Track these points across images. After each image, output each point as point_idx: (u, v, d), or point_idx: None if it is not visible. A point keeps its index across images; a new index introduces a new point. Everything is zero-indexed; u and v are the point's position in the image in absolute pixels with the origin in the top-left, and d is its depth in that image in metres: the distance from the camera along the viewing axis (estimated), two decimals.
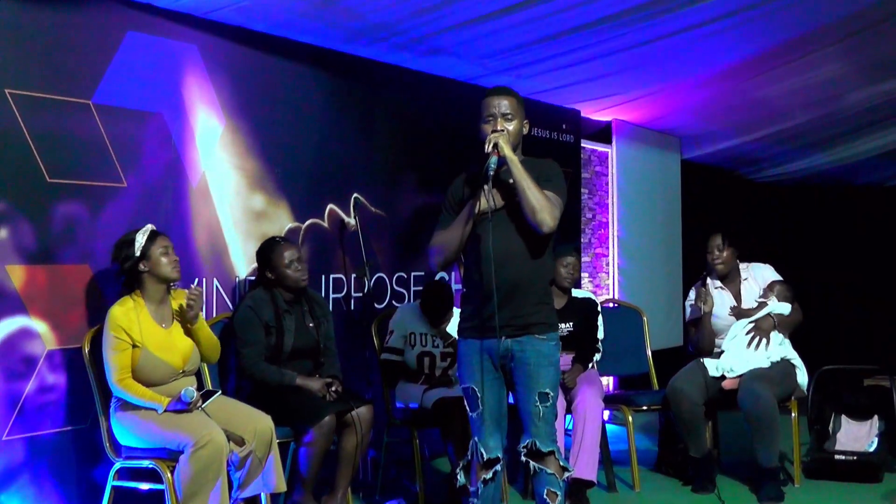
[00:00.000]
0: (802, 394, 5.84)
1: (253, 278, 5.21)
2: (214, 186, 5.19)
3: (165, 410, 4.20)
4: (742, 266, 5.91)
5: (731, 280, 5.86)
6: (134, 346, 4.24)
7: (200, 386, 4.62)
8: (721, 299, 5.81)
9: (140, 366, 4.25)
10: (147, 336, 4.28)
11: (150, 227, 4.41)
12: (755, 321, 5.69)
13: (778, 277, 5.85)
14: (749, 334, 5.67)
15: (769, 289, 5.78)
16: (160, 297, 4.41)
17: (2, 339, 4.23)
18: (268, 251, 4.95)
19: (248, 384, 4.81)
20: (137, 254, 4.31)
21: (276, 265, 4.90)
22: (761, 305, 5.73)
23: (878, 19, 5.99)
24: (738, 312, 5.76)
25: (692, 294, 5.93)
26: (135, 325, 4.26)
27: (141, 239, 4.33)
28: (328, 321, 5.11)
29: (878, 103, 7.78)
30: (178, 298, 4.49)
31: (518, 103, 4.04)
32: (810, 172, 10.36)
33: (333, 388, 4.80)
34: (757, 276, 5.87)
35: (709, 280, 5.83)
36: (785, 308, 5.71)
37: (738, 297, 5.82)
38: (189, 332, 4.45)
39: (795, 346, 5.83)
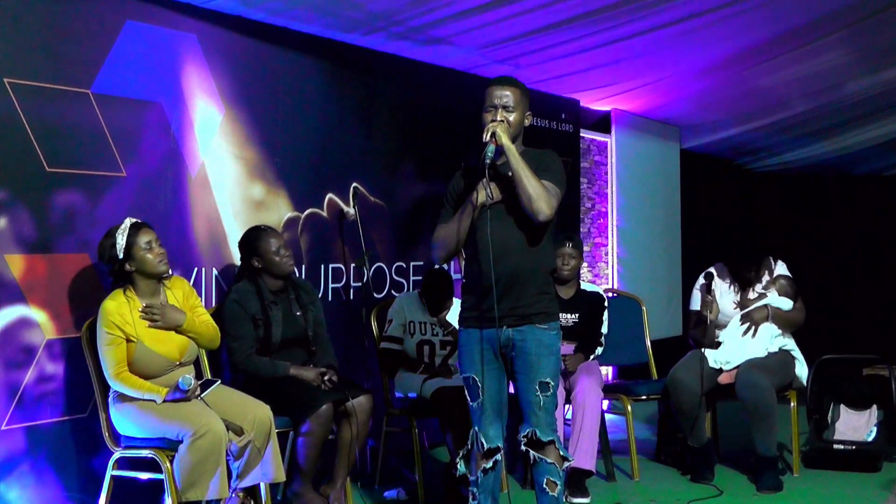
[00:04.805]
0: (801, 385, 5.84)
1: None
2: (213, 176, 5.19)
3: (164, 401, 4.21)
4: None
5: None
6: (129, 340, 4.22)
7: (199, 375, 4.61)
8: (728, 294, 5.79)
9: (136, 359, 4.24)
10: (141, 330, 4.26)
11: (128, 222, 4.31)
12: (749, 311, 5.68)
13: (787, 273, 5.83)
14: (744, 325, 5.66)
15: (772, 282, 5.77)
16: (152, 290, 4.37)
17: (1, 328, 4.23)
18: (254, 239, 4.92)
19: (242, 378, 4.80)
20: (121, 255, 4.25)
21: (263, 253, 4.87)
22: (761, 297, 5.72)
23: (879, 7, 5.98)
24: (742, 305, 5.74)
25: (702, 280, 5.87)
26: (128, 318, 4.23)
27: (121, 240, 4.25)
28: (317, 307, 5.07)
29: (878, 92, 7.78)
30: (174, 288, 4.47)
31: (522, 94, 4.04)
32: (810, 162, 10.36)
33: (327, 378, 4.78)
34: (771, 272, 5.84)
35: (716, 280, 5.80)
36: (784, 303, 5.69)
37: (744, 294, 5.80)
38: (181, 332, 4.41)
39: (794, 334, 5.82)
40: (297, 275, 5.45)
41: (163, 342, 4.32)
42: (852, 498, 5.39)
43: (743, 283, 5.78)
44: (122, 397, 4.25)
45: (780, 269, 5.84)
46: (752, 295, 5.75)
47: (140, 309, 4.29)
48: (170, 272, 4.44)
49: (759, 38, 6.41)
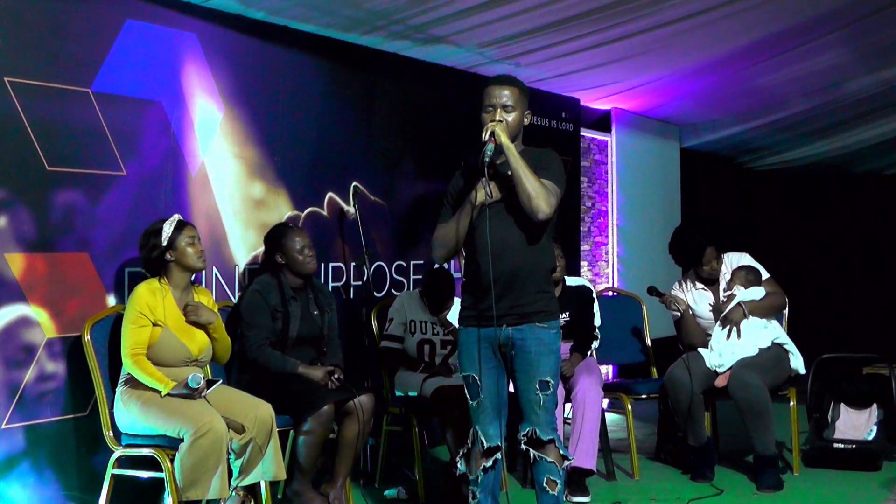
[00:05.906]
0: (799, 374, 5.78)
1: (253, 266, 5.22)
2: (213, 175, 5.19)
3: (168, 394, 4.22)
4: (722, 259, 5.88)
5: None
6: (155, 324, 4.30)
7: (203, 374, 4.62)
8: (702, 298, 5.80)
9: (158, 343, 4.30)
10: (170, 318, 4.35)
11: (177, 217, 4.48)
12: (725, 315, 5.67)
13: (748, 263, 5.81)
14: (725, 329, 5.65)
15: (732, 278, 5.75)
16: (184, 285, 4.48)
17: (1, 327, 4.23)
18: (279, 236, 4.96)
19: (249, 372, 4.81)
20: (164, 243, 4.38)
21: (287, 250, 4.91)
22: (730, 298, 5.70)
23: (878, 6, 5.98)
24: (717, 308, 5.74)
25: (673, 292, 5.92)
26: (159, 304, 4.33)
27: (168, 229, 4.40)
28: (332, 310, 5.12)
29: (878, 92, 7.78)
30: (200, 295, 4.56)
31: (520, 94, 4.03)
32: (809, 161, 10.36)
33: (335, 377, 4.80)
34: (733, 266, 5.83)
35: (683, 286, 5.84)
36: (755, 293, 5.67)
37: (717, 293, 5.80)
38: (207, 332, 4.50)
39: (793, 334, 5.82)
40: None
41: (187, 335, 4.40)
42: (852, 497, 5.39)
43: (705, 281, 5.79)
44: (129, 390, 4.27)
45: (737, 259, 5.83)
46: (722, 297, 5.75)
47: (184, 305, 4.43)
48: (204, 269, 4.60)
49: (759, 37, 6.41)
